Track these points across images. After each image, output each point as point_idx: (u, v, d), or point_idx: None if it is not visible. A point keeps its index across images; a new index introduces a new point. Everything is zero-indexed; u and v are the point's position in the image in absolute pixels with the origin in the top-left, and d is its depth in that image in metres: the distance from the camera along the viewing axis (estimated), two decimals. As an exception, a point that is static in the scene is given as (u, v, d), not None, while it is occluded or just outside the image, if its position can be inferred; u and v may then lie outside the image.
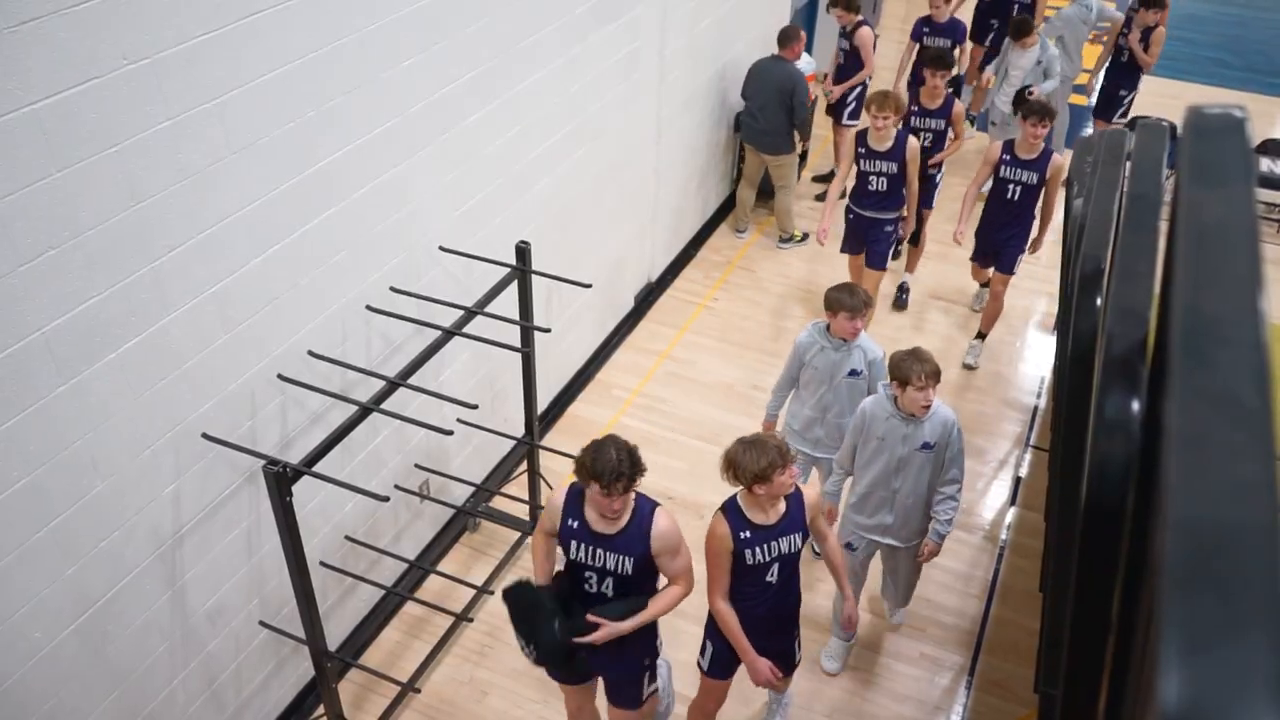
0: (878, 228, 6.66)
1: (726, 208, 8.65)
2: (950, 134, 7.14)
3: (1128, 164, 3.47)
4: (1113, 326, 1.99)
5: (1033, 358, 7.17)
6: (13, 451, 2.94)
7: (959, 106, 7.10)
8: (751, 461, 3.45)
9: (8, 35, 2.58)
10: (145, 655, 3.66)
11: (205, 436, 3.58)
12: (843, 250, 7.05)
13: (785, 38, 7.47)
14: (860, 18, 8.21)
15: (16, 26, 2.60)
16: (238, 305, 3.60)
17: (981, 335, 7.02)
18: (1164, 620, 0.69)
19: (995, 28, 9.75)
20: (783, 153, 7.71)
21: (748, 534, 3.62)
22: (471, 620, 4.96)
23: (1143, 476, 1.60)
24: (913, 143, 6.36)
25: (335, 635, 4.71)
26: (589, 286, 4.77)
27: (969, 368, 6.96)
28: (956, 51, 8.32)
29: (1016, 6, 9.67)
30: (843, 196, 6.97)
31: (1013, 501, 6.01)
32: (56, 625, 3.25)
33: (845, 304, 4.61)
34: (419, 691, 4.66)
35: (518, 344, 4.59)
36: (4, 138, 2.65)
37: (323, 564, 4.38)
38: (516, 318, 4.61)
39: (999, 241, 6.63)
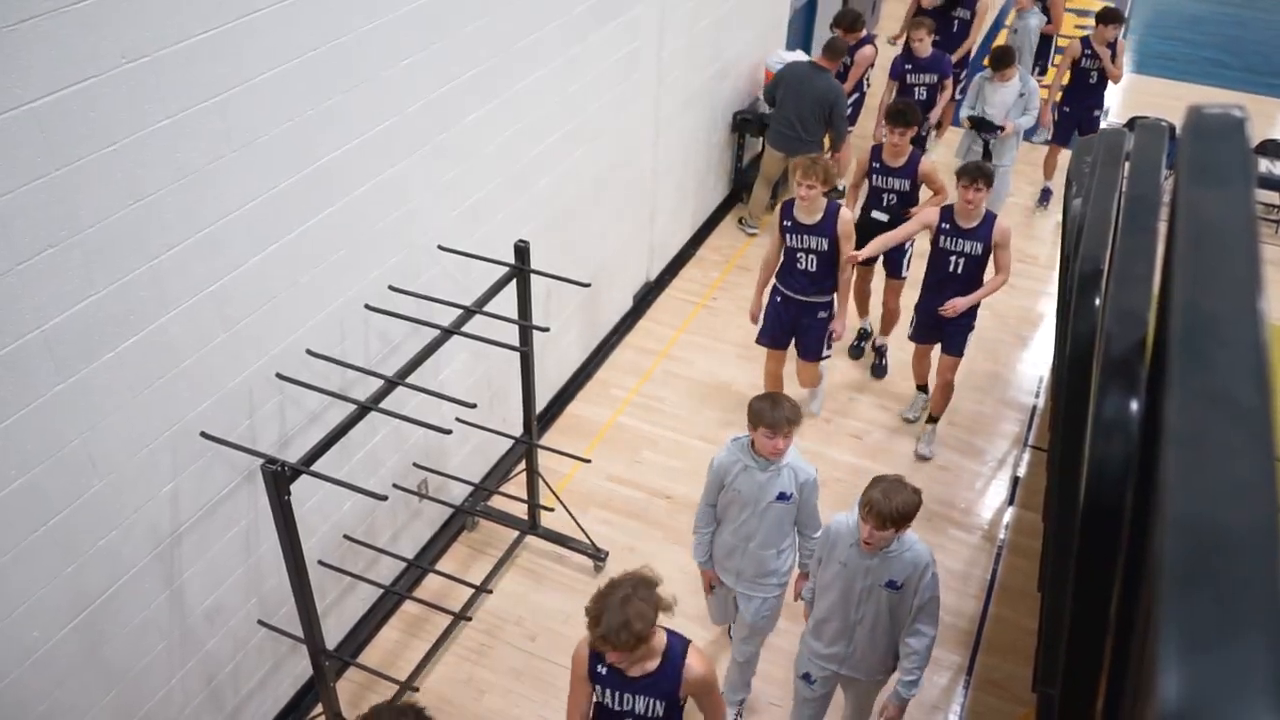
0: (810, 314, 5.79)
1: (726, 207, 8.66)
2: (921, 193, 6.43)
3: (1126, 164, 3.47)
4: (1111, 327, 1.99)
5: (1031, 358, 7.18)
6: (11, 450, 2.93)
7: (926, 164, 6.30)
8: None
9: (7, 33, 2.58)
10: (143, 654, 3.66)
11: (204, 435, 3.58)
12: (760, 341, 6.01)
13: (833, 50, 7.43)
14: (864, 35, 8.23)
15: (16, 25, 2.59)
16: (236, 304, 3.59)
17: (933, 419, 6.23)
18: (1163, 619, 0.69)
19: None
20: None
21: (603, 670, 3.20)
22: (470, 619, 4.97)
23: (1141, 476, 1.60)
24: (845, 215, 5.51)
25: (333, 634, 4.71)
26: (588, 286, 4.77)
27: (923, 458, 6.18)
28: (943, 89, 7.94)
29: (956, 23, 9.07)
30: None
31: (1011, 501, 6.02)
32: (54, 624, 3.25)
33: (765, 418, 3.81)
34: (417, 690, 4.66)
35: (516, 343, 4.59)
36: (3, 136, 2.65)
37: (321, 563, 4.38)
38: (515, 317, 4.61)
39: (942, 321, 5.82)
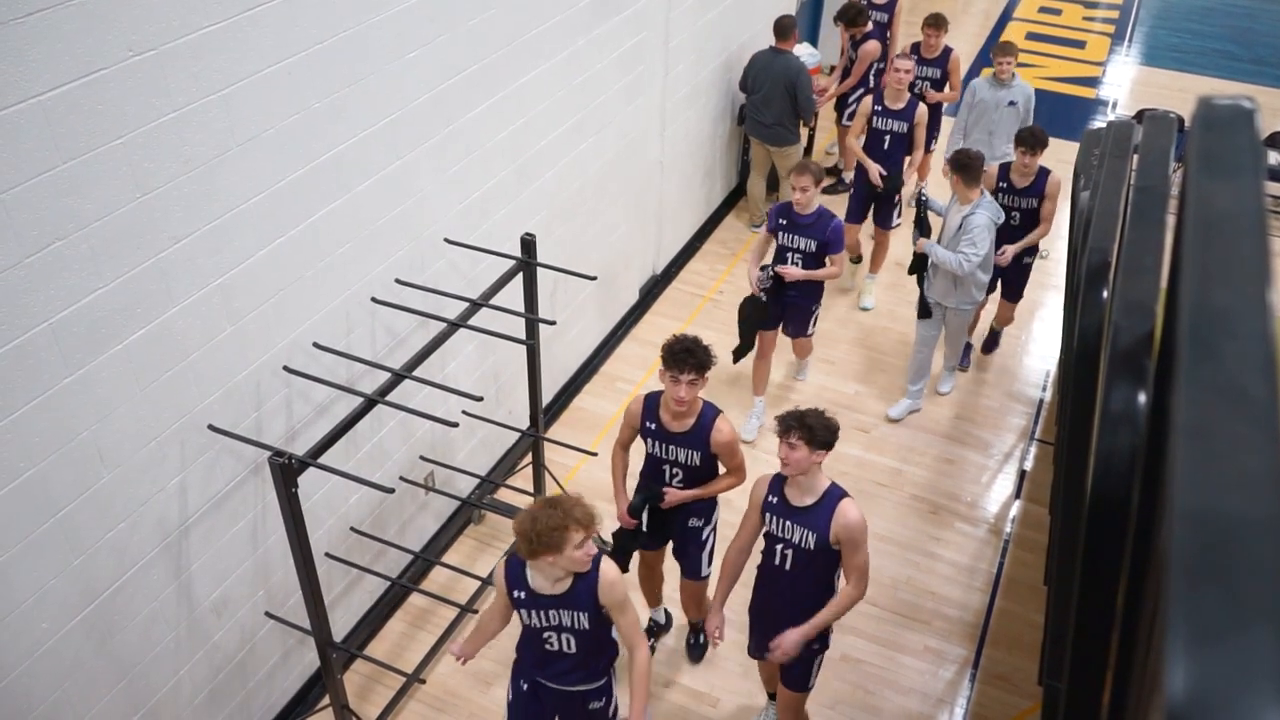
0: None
1: (732, 200, 8.64)
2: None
3: (1135, 156, 3.46)
4: (1119, 319, 1.99)
5: (1038, 351, 7.16)
6: (19, 442, 2.95)
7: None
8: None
9: (14, 27, 2.59)
10: (151, 646, 3.67)
11: (211, 428, 3.59)
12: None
13: (782, 29, 7.44)
14: (870, 29, 8.20)
15: (24, 18, 2.60)
16: (243, 297, 3.60)
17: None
18: (1170, 612, 0.69)
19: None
20: (787, 144, 7.70)
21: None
22: (476, 611, 4.97)
23: (1148, 469, 1.60)
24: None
25: (340, 626, 4.72)
26: (594, 279, 4.76)
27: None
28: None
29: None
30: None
31: (1017, 495, 6.01)
32: (63, 616, 3.26)
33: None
34: (424, 682, 4.67)
35: (523, 336, 4.59)
36: (9, 129, 2.65)
37: (328, 555, 4.39)
38: (521, 310, 4.61)
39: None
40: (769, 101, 7.50)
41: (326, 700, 4.38)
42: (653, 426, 4.18)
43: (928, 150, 7.90)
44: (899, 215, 7.20)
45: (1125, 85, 11.43)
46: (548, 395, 6.11)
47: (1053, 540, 4.87)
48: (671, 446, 4.17)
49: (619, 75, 5.93)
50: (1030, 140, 6.12)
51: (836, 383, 6.74)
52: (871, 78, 8.35)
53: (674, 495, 4.27)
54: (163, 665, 3.75)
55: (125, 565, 3.45)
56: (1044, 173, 6.23)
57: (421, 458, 5.01)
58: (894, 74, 6.79)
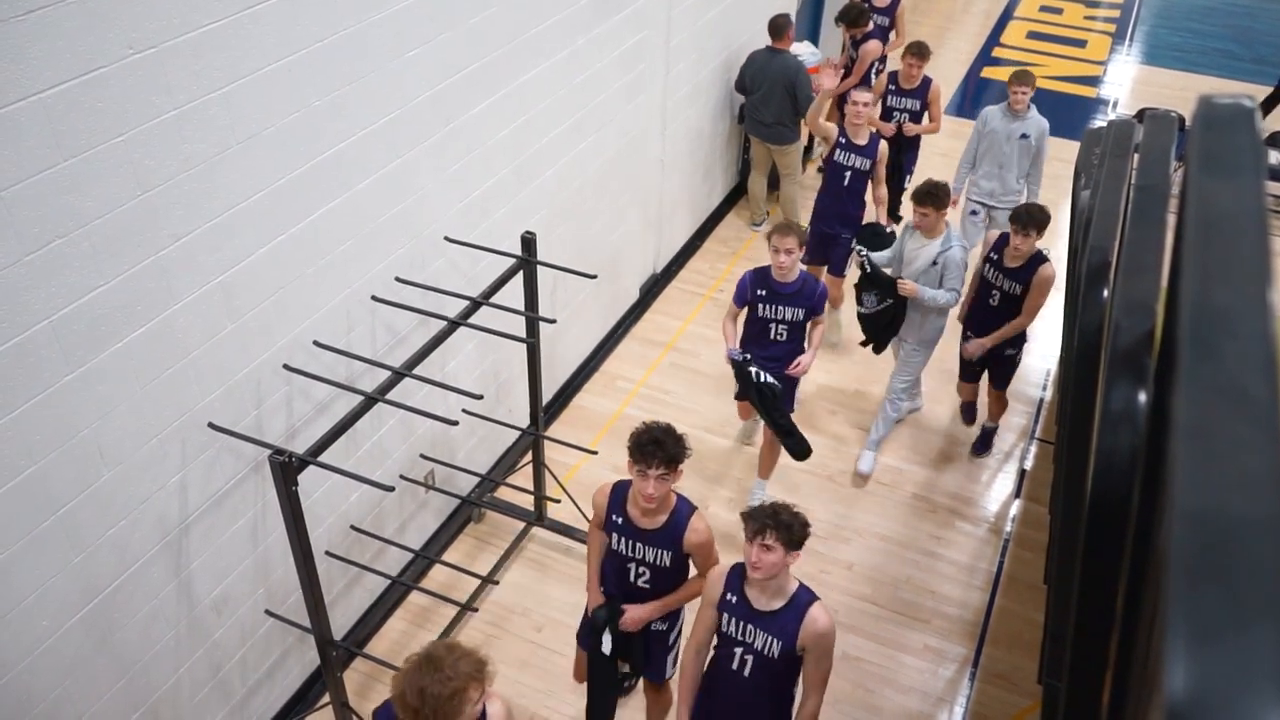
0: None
1: (732, 198, 8.64)
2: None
3: (1135, 155, 3.46)
4: (1119, 318, 1.99)
5: (1038, 350, 7.16)
6: (20, 440, 2.95)
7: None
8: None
9: (14, 25, 2.58)
10: (151, 644, 3.67)
11: (211, 426, 3.59)
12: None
13: (777, 28, 7.44)
14: (871, 29, 8.18)
15: (24, 15, 2.60)
16: (243, 295, 3.60)
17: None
18: (1170, 611, 0.69)
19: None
20: (787, 142, 7.70)
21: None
22: (476, 610, 4.98)
23: (1148, 469, 1.60)
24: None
25: (340, 625, 4.73)
26: (594, 277, 4.76)
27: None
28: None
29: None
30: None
31: (1017, 494, 6.01)
32: (63, 614, 3.27)
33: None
34: (424, 681, 4.67)
35: (523, 335, 4.59)
36: (10, 127, 2.65)
37: (328, 553, 4.39)
38: (522, 308, 4.61)
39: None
40: (768, 100, 7.50)
41: (326, 698, 4.39)
42: (619, 521, 3.71)
43: (902, 188, 7.58)
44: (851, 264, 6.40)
45: (1126, 84, 11.42)
46: (548, 394, 6.11)
47: (1053, 539, 4.87)
48: (639, 545, 3.72)
49: (620, 74, 5.93)
50: (1024, 219, 5.27)
51: (837, 380, 6.75)
52: (873, 76, 8.34)
53: (635, 614, 3.82)
54: (163, 663, 3.75)
55: (126, 563, 3.45)
56: (1038, 259, 5.40)
57: (422, 456, 5.01)
58: (852, 108, 6.25)
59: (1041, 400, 6.72)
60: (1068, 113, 10.39)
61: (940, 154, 8.77)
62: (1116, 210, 3.06)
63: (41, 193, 2.78)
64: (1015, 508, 5.92)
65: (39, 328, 2.89)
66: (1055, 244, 7.94)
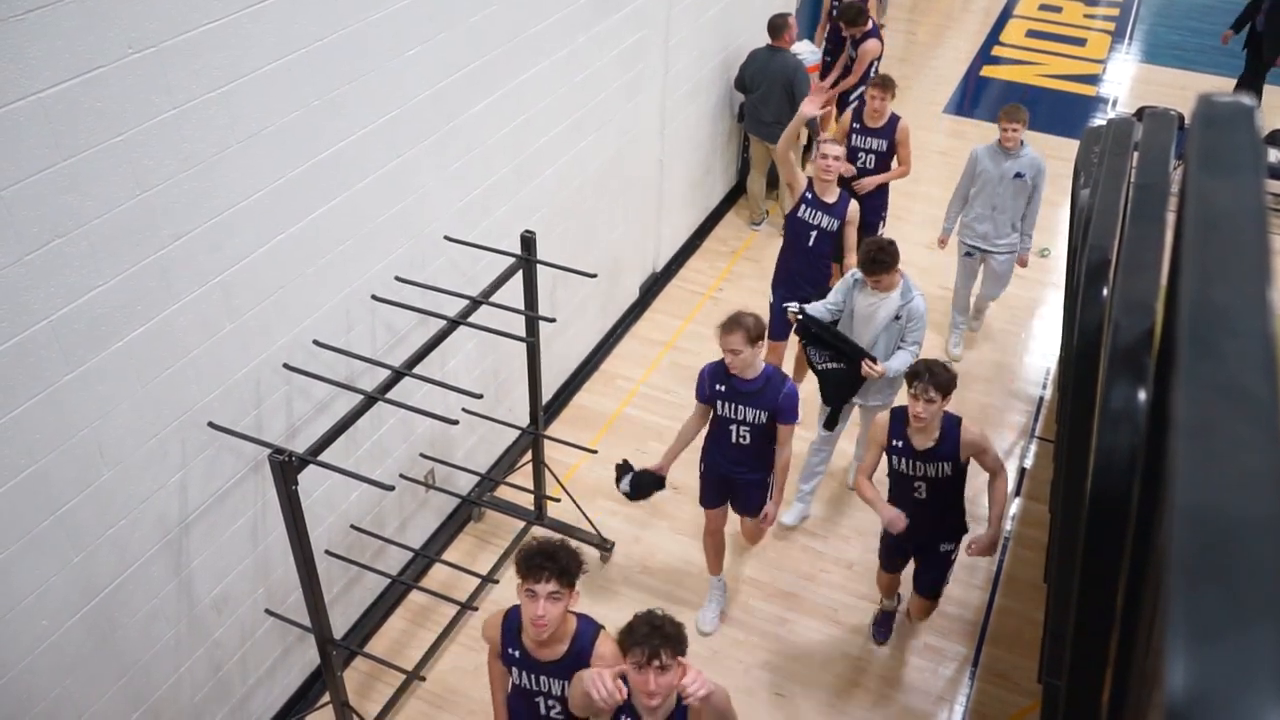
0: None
1: (732, 197, 8.64)
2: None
3: (1134, 154, 3.46)
4: (1119, 317, 1.99)
5: (1038, 348, 7.16)
6: (20, 439, 2.95)
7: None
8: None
9: (13, 24, 2.58)
10: (152, 643, 3.68)
11: (211, 425, 3.59)
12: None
13: (776, 27, 7.43)
14: (869, 28, 8.18)
15: (23, 15, 2.60)
16: (243, 294, 3.60)
17: None
18: (1170, 610, 0.69)
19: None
20: None
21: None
22: (476, 609, 4.98)
23: (1148, 468, 1.60)
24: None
25: (341, 624, 4.73)
26: (594, 276, 4.76)
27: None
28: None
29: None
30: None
31: (1018, 492, 6.01)
32: (63, 613, 3.27)
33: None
34: (424, 680, 4.68)
35: (523, 334, 4.59)
36: (9, 127, 2.65)
37: (328, 553, 4.39)
38: (521, 307, 4.61)
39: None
40: (768, 100, 7.49)
41: (327, 697, 4.39)
42: (515, 654, 3.23)
43: (873, 235, 6.66)
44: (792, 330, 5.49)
45: (1126, 83, 11.42)
46: (548, 393, 6.11)
47: (1053, 538, 4.87)
48: (544, 678, 3.23)
49: (619, 73, 5.93)
50: (926, 378, 4.09)
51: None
52: (872, 74, 8.34)
53: None
54: (163, 662, 3.76)
55: (126, 562, 3.45)
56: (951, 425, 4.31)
57: (421, 455, 5.01)
58: (821, 162, 5.57)
59: (1041, 399, 6.72)
60: (1067, 111, 10.39)
61: (925, 193, 8.75)
62: (1116, 209, 3.06)
63: (41, 192, 2.78)
64: (1015, 506, 5.92)
65: (39, 327, 2.89)
66: (1055, 243, 7.95)
